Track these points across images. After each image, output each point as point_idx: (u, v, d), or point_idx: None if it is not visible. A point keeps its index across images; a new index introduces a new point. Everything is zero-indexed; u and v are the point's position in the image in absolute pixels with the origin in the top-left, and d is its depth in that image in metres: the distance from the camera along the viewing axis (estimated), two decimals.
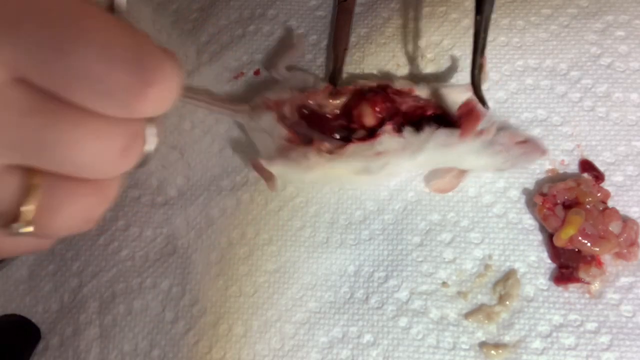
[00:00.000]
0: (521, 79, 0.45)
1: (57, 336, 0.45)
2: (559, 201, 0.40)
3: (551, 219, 0.39)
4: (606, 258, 0.39)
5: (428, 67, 0.47)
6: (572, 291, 0.39)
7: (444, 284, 0.41)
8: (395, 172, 0.42)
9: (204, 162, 0.48)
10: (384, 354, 0.40)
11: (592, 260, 0.39)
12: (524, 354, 0.39)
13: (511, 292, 0.40)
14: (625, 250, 0.39)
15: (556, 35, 0.46)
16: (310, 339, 0.42)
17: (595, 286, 0.39)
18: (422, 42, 0.48)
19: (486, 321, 0.40)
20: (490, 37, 0.46)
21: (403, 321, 0.41)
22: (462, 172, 0.42)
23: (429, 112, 0.42)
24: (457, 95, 0.42)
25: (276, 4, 0.51)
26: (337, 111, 0.43)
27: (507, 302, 0.40)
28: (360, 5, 0.50)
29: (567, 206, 0.39)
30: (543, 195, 0.40)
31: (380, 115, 0.41)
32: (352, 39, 0.49)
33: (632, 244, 0.39)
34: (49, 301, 0.46)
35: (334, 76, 0.46)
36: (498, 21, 0.47)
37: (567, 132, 0.43)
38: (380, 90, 0.42)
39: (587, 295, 0.39)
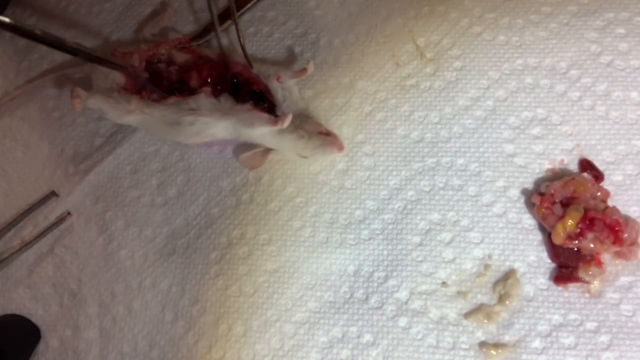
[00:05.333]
0: (521, 78, 0.45)
1: (57, 336, 0.45)
2: (556, 200, 0.39)
3: (550, 218, 0.39)
4: (606, 257, 0.39)
5: (428, 66, 0.47)
6: (571, 291, 0.39)
7: (444, 283, 0.41)
8: (203, 132, 0.45)
9: (204, 162, 0.48)
10: (383, 353, 0.40)
11: (592, 260, 0.39)
12: (523, 353, 0.39)
13: (511, 291, 0.40)
14: (625, 250, 0.39)
15: (556, 34, 0.46)
16: (310, 338, 0.42)
17: (595, 285, 0.39)
18: (422, 41, 0.48)
19: (486, 321, 0.40)
20: (489, 36, 0.46)
21: (403, 321, 0.41)
22: (268, 151, 0.46)
23: (255, 87, 0.46)
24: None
25: (276, 6, 0.51)
26: (176, 67, 0.49)
27: (507, 302, 0.40)
28: (360, 3, 0.50)
29: (566, 204, 0.39)
30: (541, 194, 0.40)
31: (207, 81, 0.47)
32: (351, 37, 0.49)
33: (632, 243, 0.38)
34: (49, 301, 0.46)
35: (198, 36, 0.52)
36: (497, 20, 0.47)
37: (566, 131, 0.43)
38: (213, 60, 0.48)
39: (586, 295, 0.39)
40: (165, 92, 0.47)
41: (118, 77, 0.47)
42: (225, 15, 0.51)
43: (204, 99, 0.45)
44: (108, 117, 0.46)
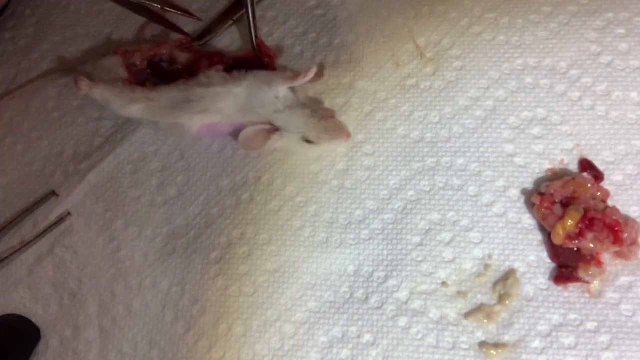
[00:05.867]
0: (521, 78, 0.45)
1: (57, 336, 0.45)
2: (556, 200, 0.39)
3: (550, 218, 0.39)
4: (606, 257, 0.39)
5: (428, 66, 0.47)
6: (571, 291, 0.39)
7: (444, 283, 0.41)
8: (212, 107, 0.45)
9: (204, 162, 0.48)
10: (383, 353, 0.40)
11: (592, 260, 0.39)
12: (523, 353, 0.39)
13: (511, 291, 0.40)
14: (625, 250, 0.39)
15: (556, 34, 0.46)
16: (310, 338, 0.42)
17: (595, 286, 0.39)
18: (422, 41, 0.47)
19: (486, 321, 0.40)
20: (489, 36, 0.46)
21: (403, 321, 0.41)
22: (271, 131, 0.44)
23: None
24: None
25: (276, 6, 0.51)
26: (180, 66, 0.49)
27: (507, 302, 0.40)
28: (360, 3, 0.50)
29: (566, 204, 0.39)
30: (541, 194, 0.40)
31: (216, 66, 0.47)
32: (351, 37, 0.49)
33: (632, 243, 0.38)
34: (49, 301, 0.46)
35: (201, 36, 0.52)
36: (497, 20, 0.47)
37: (566, 131, 0.43)
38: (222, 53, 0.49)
39: (586, 295, 0.39)
40: (170, 82, 0.47)
41: (121, 72, 0.47)
42: (231, 11, 0.51)
43: (214, 73, 0.45)
44: (112, 107, 0.47)
